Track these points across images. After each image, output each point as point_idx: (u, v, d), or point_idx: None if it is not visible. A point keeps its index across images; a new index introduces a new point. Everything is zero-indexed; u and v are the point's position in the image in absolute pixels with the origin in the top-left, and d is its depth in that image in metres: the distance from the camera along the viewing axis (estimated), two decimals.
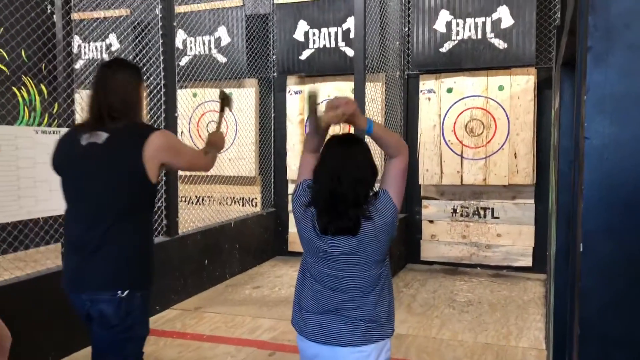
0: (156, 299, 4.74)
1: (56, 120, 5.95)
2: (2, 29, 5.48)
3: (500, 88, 6.04)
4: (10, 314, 2.85)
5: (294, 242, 6.93)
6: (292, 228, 6.95)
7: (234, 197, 7.16)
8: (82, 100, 5.19)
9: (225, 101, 2.88)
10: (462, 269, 6.34)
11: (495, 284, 5.74)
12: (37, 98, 7.12)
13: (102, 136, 2.22)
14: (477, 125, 6.14)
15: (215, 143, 2.67)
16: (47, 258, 4.63)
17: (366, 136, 2.10)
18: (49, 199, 3.66)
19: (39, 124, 7.07)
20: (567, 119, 2.45)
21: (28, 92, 6.99)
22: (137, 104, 2.34)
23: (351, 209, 1.89)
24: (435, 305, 5.04)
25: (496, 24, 5.94)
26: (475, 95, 6.13)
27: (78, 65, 6.94)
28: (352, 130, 4.07)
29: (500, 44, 5.91)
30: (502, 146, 6.05)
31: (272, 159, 7.11)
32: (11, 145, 2.91)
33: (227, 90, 3.13)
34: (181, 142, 2.56)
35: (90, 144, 2.22)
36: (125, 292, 2.18)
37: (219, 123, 2.87)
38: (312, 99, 2.09)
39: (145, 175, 2.22)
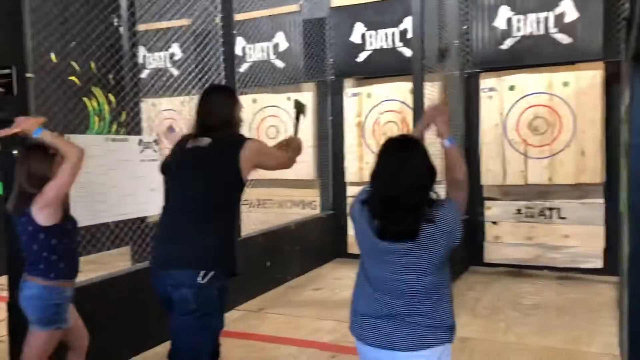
0: None
1: (124, 129, 6.22)
2: (73, 43, 5.77)
3: (565, 84, 5.83)
4: (86, 314, 3.00)
5: (354, 244, 6.87)
6: (351, 230, 6.92)
7: (293, 200, 7.24)
8: (147, 108, 5.39)
9: (300, 109, 3.17)
10: (528, 271, 6.15)
11: (563, 287, 5.54)
12: (106, 107, 7.45)
13: (205, 141, 2.55)
14: (541, 123, 5.95)
15: (295, 147, 2.96)
16: (118, 261, 4.84)
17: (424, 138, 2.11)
18: (119, 204, 3.82)
19: (108, 132, 7.39)
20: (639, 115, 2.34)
21: (97, 102, 7.33)
22: (231, 121, 2.68)
23: (410, 213, 1.86)
24: (500, 308, 4.92)
25: (559, 18, 5.74)
26: (539, 92, 5.95)
27: (143, 74, 7.21)
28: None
29: (564, 38, 5.71)
30: (568, 144, 5.83)
31: (330, 161, 7.14)
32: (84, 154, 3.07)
33: (301, 100, 3.37)
34: (269, 147, 2.87)
35: (194, 147, 2.56)
36: (206, 279, 2.35)
37: (296, 130, 3.13)
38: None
39: (240, 174, 2.52)
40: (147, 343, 4.02)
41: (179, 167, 2.61)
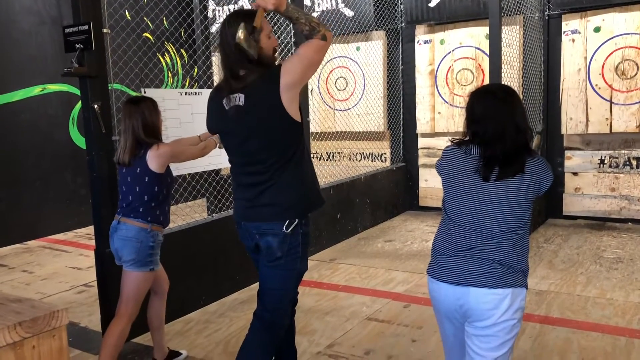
0: None
1: (197, 83, 6.32)
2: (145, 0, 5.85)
3: None
4: (166, 261, 3.13)
5: (425, 197, 6.84)
6: (423, 183, 6.86)
7: (363, 153, 7.19)
8: (218, 62, 5.45)
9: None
10: (611, 224, 5.87)
11: None
12: (179, 62, 7.60)
13: (240, 97, 2.29)
14: (630, 67, 5.54)
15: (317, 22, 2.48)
16: (195, 212, 5.00)
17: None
18: None
19: (182, 87, 7.56)
20: None
21: (170, 57, 7.48)
22: (263, 50, 2.30)
23: (521, 155, 1.96)
24: (580, 261, 4.74)
25: None
26: (628, 33, 5.51)
27: (214, 29, 7.26)
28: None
29: None
30: None
31: (401, 112, 7.00)
32: (160, 106, 3.14)
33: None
34: (298, 58, 2.31)
35: (233, 108, 2.32)
36: (290, 228, 2.35)
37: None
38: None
39: (288, 117, 2.28)
40: (225, 289, 4.18)
41: (228, 131, 2.42)
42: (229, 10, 7.39)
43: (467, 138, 2.07)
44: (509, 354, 2.00)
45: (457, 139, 2.13)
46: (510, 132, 1.97)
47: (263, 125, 2.30)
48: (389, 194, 6.63)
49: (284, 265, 2.41)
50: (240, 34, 2.19)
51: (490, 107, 2.04)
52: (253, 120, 2.30)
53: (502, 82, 4.76)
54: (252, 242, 2.46)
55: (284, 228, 2.35)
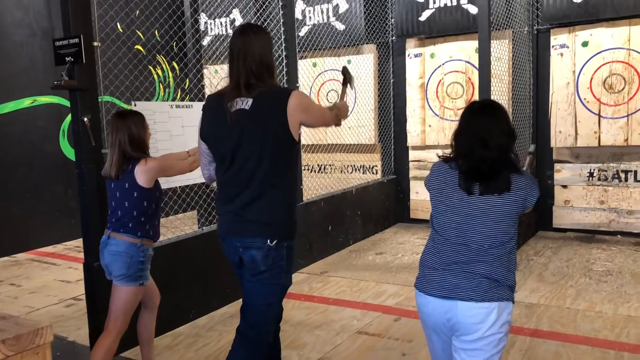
0: None
1: (188, 95, 6.32)
2: (137, 12, 5.87)
3: None
4: (156, 275, 3.12)
5: (416, 209, 6.85)
6: (414, 195, 6.87)
7: (354, 165, 7.21)
8: (210, 75, 5.46)
9: (347, 76, 2.99)
10: (600, 236, 5.90)
11: (638, 253, 5.28)
12: (170, 75, 7.61)
13: (247, 102, 2.32)
14: (618, 81, 5.60)
15: (340, 108, 2.74)
16: (185, 224, 4.99)
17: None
18: None
19: (173, 99, 7.56)
20: None
21: (162, 69, 7.49)
22: (273, 66, 2.42)
23: (504, 170, 1.99)
24: (570, 274, 4.75)
25: None
26: (616, 48, 5.58)
27: (205, 41, 7.28)
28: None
29: None
30: None
31: (391, 125, 7.03)
32: (150, 119, 3.14)
33: (347, 65, 3.38)
34: (312, 101, 2.62)
35: (238, 111, 2.33)
36: (274, 242, 2.34)
37: (343, 94, 2.97)
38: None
39: (290, 133, 2.33)
40: (214, 303, 4.15)
41: (225, 135, 2.37)
42: (222, 23, 7.42)
43: (453, 153, 2.11)
44: None
45: (445, 155, 2.15)
46: (477, 146, 1.99)
47: (262, 130, 2.30)
48: (380, 206, 6.64)
49: (268, 279, 2.39)
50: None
51: (469, 121, 2.08)
52: (254, 124, 2.31)
53: (492, 96, 4.81)
54: (237, 257, 2.43)
55: (268, 241, 2.34)
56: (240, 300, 2.53)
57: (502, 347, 2.00)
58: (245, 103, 2.32)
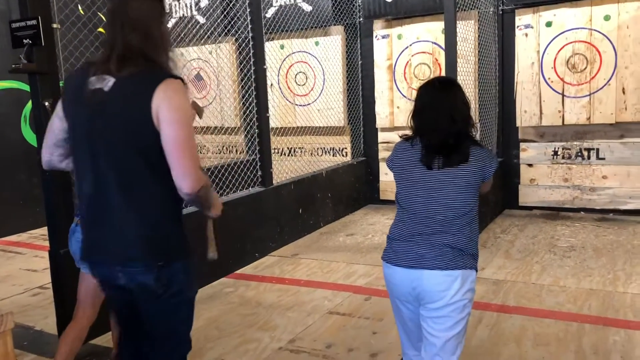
0: (255, 247, 4.94)
1: None
2: None
3: (607, 18, 5.54)
4: None
5: (386, 190, 6.90)
6: (383, 177, 6.92)
7: (324, 148, 7.21)
8: (174, 57, 5.35)
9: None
10: (564, 213, 6.05)
11: (600, 229, 5.43)
12: None
13: (109, 82, 1.83)
14: (580, 61, 5.71)
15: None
16: None
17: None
18: None
19: None
20: None
21: None
22: (161, 40, 1.91)
23: (465, 142, 2.07)
24: (535, 250, 4.87)
25: None
26: (578, 28, 5.68)
27: (170, 23, 7.13)
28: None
29: None
30: (608, 82, 5.60)
31: (360, 107, 7.04)
32: None
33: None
34: (186, 102, 1.88)
35: (96, 91, 1.84)
36: (162, 262, 1.88)
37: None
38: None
39: (154, 130, 1.79)
40: None
41: (81, 116, 1.89)
42: (187, 4, 7.28)
43: (413, 131, 2.17)
44: (462, 334, 2.12)
45: (405, 135, 2.21)
46: (446, 120, 2.06)
47: (121, 121, 1.82)
48: (350, 188, 6.67)
49: (169, 299, 1.93)
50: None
51: (426, 98, 2.15)
52: (112, 111, 1.82)
53: (458, 76, 4.85)
54: (114, 282, 1.95)
55: (156, 262, 1.87)
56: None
57: (467, 313, 2.10)
58: (106, 83, 1.83)
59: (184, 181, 1.81)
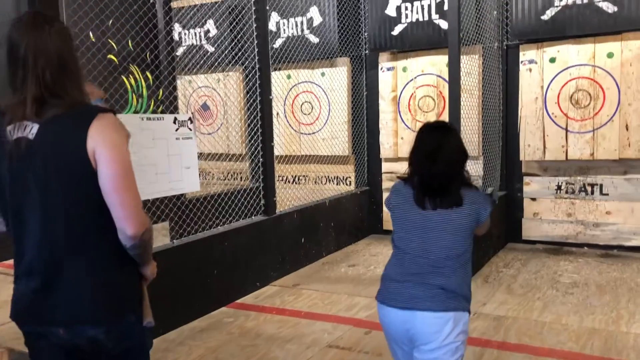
0: (256, 276, 4.93)
1: (161, 106, 6.29)
2: (110, 21, 5.82)
3: (610, 55, 5.60)
4: None
5: (388, 220, 6.85)
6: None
7: (328, 176, 7.24)
8: (183, 86, 5.45)
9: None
10: (567, 248, 6.02)
11: (604, 265, 5.40)
12: (143, 85, 7.54)
13: (32, 128, 1.65)
14: (584, 96, 5.75)
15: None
16: (155, 237, 4.93)
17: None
18: (155, 182, 3.89)
19: (146, 110, 7.50)
20: None
21: (135, 79, 7.43)
22: (77, 71, 1.73)
23: (453, 185, 2.10)
24: (537, 286, 4.84)
25: None
26: (581, 64, 5.73)
27: (179, 52, 7.25)
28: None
29: (609, 7, 5.45)
30: (611, 118, 5.63)
31: (365, 137, 7.08)
32: None
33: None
34: (120, 144, 1.69)
35: (19, 140, 1.65)
36: (114, 316, 1.74)
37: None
38: None
39: (93, 173, 1.65)
40: (183, 317, 4.12)
41: (14, 183, 1.70)
42: (196, 33, 7.40)
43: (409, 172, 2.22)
44: None
45: (403, 175, 2.26)
46: (427, 164, 2.10)
47: (53, 170, 1.65)
48: (353, 218, 6.68)
49: (125, 355, 1.81)
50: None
51: (420, 138, 2.21)
52: (40, 162, 1.64)
53: (462, 110, 4.89)
54: (58, 341, 1.73)
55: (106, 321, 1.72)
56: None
57: (460, 355, 2.10)
58: (29, 130, 1.64)
59: (126, 223, 1.65)
